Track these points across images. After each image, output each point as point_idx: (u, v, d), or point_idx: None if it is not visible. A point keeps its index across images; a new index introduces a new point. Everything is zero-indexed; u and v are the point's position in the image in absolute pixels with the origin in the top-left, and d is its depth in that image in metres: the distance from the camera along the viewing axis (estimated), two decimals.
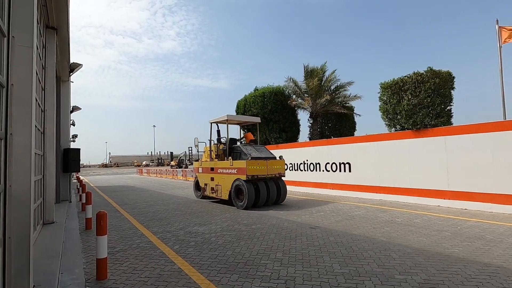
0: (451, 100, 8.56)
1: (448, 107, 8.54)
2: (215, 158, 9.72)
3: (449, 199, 7.57)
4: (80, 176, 25.97)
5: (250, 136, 10.40)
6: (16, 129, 2.85)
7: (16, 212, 2.77)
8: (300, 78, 16.07)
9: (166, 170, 29.44)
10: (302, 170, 12.32)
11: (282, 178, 8.96)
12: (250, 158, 8.29)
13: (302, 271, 3.52)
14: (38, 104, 5.52)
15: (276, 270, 3.57)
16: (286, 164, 13.10)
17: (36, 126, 4.81)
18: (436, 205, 7.71)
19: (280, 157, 9.42)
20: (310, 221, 6.32)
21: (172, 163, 52.81)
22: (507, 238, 4.65)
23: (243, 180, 8.03)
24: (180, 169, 26.72)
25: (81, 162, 11.11)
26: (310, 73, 15.31)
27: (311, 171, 11.87)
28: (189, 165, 50.13)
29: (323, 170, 11.36)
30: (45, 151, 6.39)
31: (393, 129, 9.48)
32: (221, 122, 9.72)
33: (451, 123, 8.48)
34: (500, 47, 9.36)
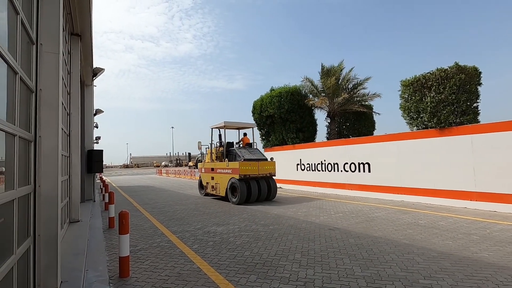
0: (477, 96, 8.14)
1: (475, 104, 8.13)
2: (215, 159, 10.89)
3: (476, 200, 7.20)
4: (103, 177, 26.96)
5: (247, 140, 11.47)
6: (45, 132, 2.99)
7: (45, 211, 2.91)
8: (316, 78, 15.86)
9: (184, 170, 29.97)
10: (319, 171, 12.15)
11: (273, 177, 10.01)
12: (243, 160, 9.46)
13: (321, 273, 3.46)
14: (64, 107, 5.78)
15: (295, 271, 3.53)
16: (303, 164, 13.02)
17: (62, 129, 5.04)
18: (462, 207, 7.37)
19: (271, 158, 10.43)
20: (328, 222, 6.22)
21: (190, 163, 53.56)
22: None
23: (237, 179, 9.11)
24: (197, 170, 27.09)
25: (103, 163, 11.56)
26: (326, 72, 15.07)
27: (329, 171, 11.68)
28: None
29: (341, 171, 11.15)
30: (70, 152, 6.68)
31: (415, 127, 9.14)
32: (220, 127, 10.88)
33: (478, 121, 8.06)
34: None
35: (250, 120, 15.97)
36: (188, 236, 5.39)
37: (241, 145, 11.32)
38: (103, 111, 14.56)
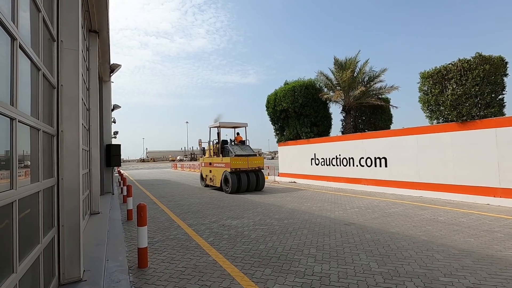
0: (503, 88, 7.73)
1: (500, 96, 7.74)
2: (213, 155, 12.36)
3: (500, 196, 6.91)
4: (121, 170, 27.74)
5: (240, 138, 12.99)
6: (66, 127, 3.09)
7: (68, 203, 3.02)
8: (331, 71, 15.54)
9: (199, 164, 30.37)
10: (334, 165, 12.00)
11: (262, 170, 11.44)
12: (234, 155, 10.84)
13: (337, 268, 3.43)
14: (84, 103, 5.95)
15: (310, 266, 3.52)
16: (317, 159, 12.91)
17: (82, 124, 5.19)
18: (485, 203, 7.09)
19: (260, 154, 13.35)
20: (344, 217, 6.15)
21: (200, 158, 54.20)
22: None
23: (229, 172, 10.56)
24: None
25: (121, 157, 11.95)
26: (341, 65, 14.72)
27: (344, 166, 11.51)
28: None
29: (357, 165, 10.96)
30: (90, 146, 6.89)
31: (435, 121, 8.82)
32: (216, 127, 12.32)
33: (503, 114, 7.67)
34: None
35: (264, 114, 16.01)
36: (203, 229, 5.48)
37: (235, 143, 12.76)
38: (120, 107, 14.91)
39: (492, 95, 7.62)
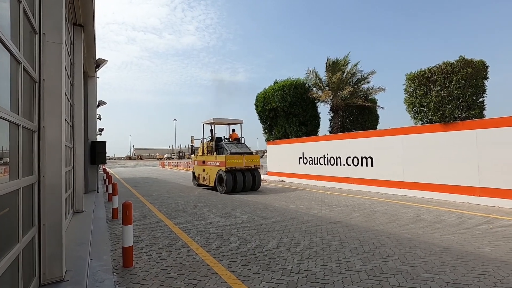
0: (484, 91, 8.02)
1: (481, 99, 8.02)
2: (206, 153, 11.78)
3: (479, 195, 7.18)
4: (106, 168, 27.16)
5: (235, 135, 12.43)
6: (48, 122, 3.00)
7: (49, 201, 2.93)
8: (320, 71, 15.71)
9: (187, 163, 30.07)
10: (322, 164, 12.14)
11: (258, 169, 10.85)
12: (229, 153, 10.35)
13: (323, 265, 3.48)
14: (67, 98, 5.78)
15: (296, 263, 3.56)
16: (305, 158, 13.01)
17: (66, 120, 5.05)
18: (465, 202, 7.34)
19: (256, 152, 11.65)
20: (330, 215, 6.23)
21: (193, 156, 53.82)
22: None
23: (224, 171, 9.98)
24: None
25: (107, 155, 11.68)
26: (332, 66, 14.90)
27: (332, 165, 11.67)
28: None
29: (343, 164, 11.13)
30: (74, 143, 6.71)
31: (419, 122, 9.06)
32: (210, 123, 11.71)
33: (483, 116, 7.96)
34: None
35: (253, 113, 15.98)
36: (190, 228, 5.44)
37: (229, 140, 12.24)
38: (106, 103, 14.57)
39: (474, 97, 7.89)
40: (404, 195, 8.72)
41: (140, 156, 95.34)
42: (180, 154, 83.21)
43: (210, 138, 11.93)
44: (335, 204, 7.64)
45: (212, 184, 10.91)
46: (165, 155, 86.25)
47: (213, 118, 11.45)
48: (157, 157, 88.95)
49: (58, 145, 3.04)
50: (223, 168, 10.01)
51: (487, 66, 8.09)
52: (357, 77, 15.17)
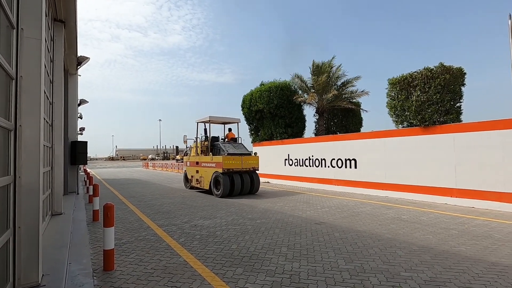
0: (461, 96, 8.38)
1: (458, 104, 8.38)
2: (200, 153, 11.02)
3: (456, 197, 7.48)
4: (87, 169, 26.34)
5: (232, 134, 11.66)
6: (25, 121, 2.88)
7: (26, 203, 2.82)
8: (306, 73, 15.95)
9: (171, 164, 29.65)
10: (307, 166, 12.28)
11: (256, 171, 10.25)
12: (227, 154, 9.64)
13: (306, 266, 3.52)
14: (47, 96, 5.58)
15: (280, 264, 3.58)
16: (291, 159, 13.12)
17: (44, 119, 4.86)
18: (443, 203, 7.63)
19: (255, 153, 10.66)
20: (315, 216, 6.31)
21: (178, 157, 52.98)
22: None
23: (220, 173, 9.29)
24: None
25: (88, 155, 11.29)
26: (317, 69, 15.14)
27: (316, 167, 11.83)
28: None
29: (328, 166, 11.31)
30: (53, 143, 6.47)
31: (401, 125, 9.35)
32: (205, 122, 10.98)
33: (460, 120, 8.32)
34: None
35: (239, 114, 15.92)
36: (174, 230, 5.36)
37: (225, 140, 11.52)
38: (87, 102, 14.16)
39: (451, 102, 8.23)
40: (386, 196, 8.96)
41: (123, 157, 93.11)
42: (165, 155, 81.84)
43: (205, 137, 11.20)
44: (319, 205, 7.74)
45: (206, 187, 10.20)
46: (149, 156, 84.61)
47: (209, 116, 10.70)
48: (141, 157, 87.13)
49: (35, 144, 2.93)
50: (220, 170, 9.31)
51: (465, 73, 8.46)
52: (342, 80, 15.49)
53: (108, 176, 21.18)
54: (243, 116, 16.47)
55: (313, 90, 15.23)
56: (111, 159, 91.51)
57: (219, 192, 9.34)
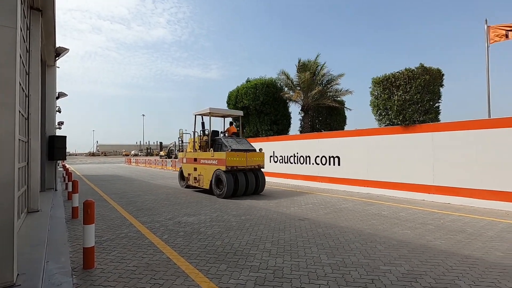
0: (439, 97, 8.71)
1: (437, 104, 8.70)
2: (199, 149, 10.09)
3: (433, 193, 7.79)
4: (66, 165, 25.42)
5: (233, 129, 10.79)
6: None
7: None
8: (292, 71, 16.06)
9: (155, 160, 29.14)
10: (292, 163, 12.40)
11: (262, 169, 9.42)
12: (230, 150, 8.75)
13: (290, 261, 3.57)
14: (22, 88, 5.32)
15: (264, 260, 3.61)
16: (276, 156, 13.19)
17: (20, 112, 4.64)
18: (421, 199, 7.93)
19: (260, 149, 9.75)
20: (298, 213, 6.40)
21: (162, 153, 52.27)
22: (487, 231, 4.83)
23: (223, 171, 8.45)
24: (169, 159, 26.45)
25: (67, 150, 10.87)
26: (303, 66, 15.27)
27: (301, 164, 11.97)
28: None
29: (312, 163, 11.47)
30: (29, 137, 6.20)
31: (383, 124, 9.61)
32: (204, 114, 10.12)
33: (438, 120, 8.65)
34: (488, 46, 9.54)
35: None
36: (158, 227, 5.29)
37: (226, 135, 10.65)
38: (66, 95, 13.61)
39: (430, 102, 8.54)
40: (368, 193, 9.20)
41: (105, 153, 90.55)
42: (148, 151, 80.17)
43: (202, 131, 10.23)
44: (303, 201, 7.85)
45: (206, 186, 9.27)
46: (132, 152, 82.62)
47: (209, 108, 9.70)
48: (123, 153, 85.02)
49: (10, 139, 2.80)
50: (223, 168, 8.43)
51: (443, 74, 8.79)
52: (327, 78, 15.72)
53: (88, 172, 20.55)
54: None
55: (299, 88, 15.37)
56: (92, 154, 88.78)
57: (222, 192, 8.46)
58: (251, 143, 10.24)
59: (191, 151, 10.57)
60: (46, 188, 9.34)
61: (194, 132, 10.51)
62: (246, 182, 8.78)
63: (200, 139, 10.17)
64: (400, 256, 3.72)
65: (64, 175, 12.79)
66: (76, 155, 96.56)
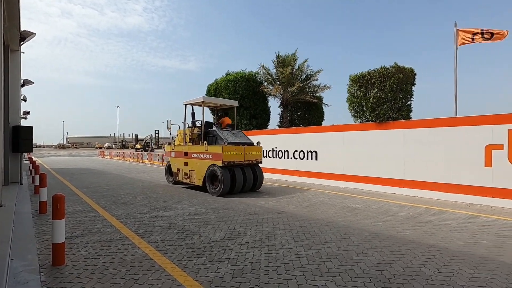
0: (411, 95, 9.12)
1: (409, 102, 9.11)
2: (189, 142, 9.36)
3: (404, 187, 8.20)
4: (33, 157, 23.97)
5: (227, 120, 9.97)
6: None
7: None
8: (272, 67, 16.06)
9: (130, 153, 28.22)
10: (271, 157, 12.51)
11: (259, 164, 8.84)
12: (226, 143, 8.05)
13: (267, 253, 3.63)
14: None
15: (242, 253, 3.64)
16: None
17: None
18: (392, 192, 8.32)
19: (258, 143, 9.18)
20: (276, 206, 6.49)
21: (137, 146, 50.74)
22: (450, 222, 5.18)
23: (219, 166, 7.76)
24: (145, 153, 25.73)
25: (34, 142, 10.21)
26: (282, 61, 15.34)
27: (280, 158, 12.10)
28: (155, 148, 48.48)
29: (291, 158, 11.64)
30: None
31: (359, 120, 9.92)
32: (196, 104, 9.40)
33: (410, 117, 9.07)
34: (457, 48, 10.08)
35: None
36: (133, 221, 5.15)
37: (219, 126, 9.72)
38: (33, 82, 12.75)
39: (403, 100, 8.92)
40: (343, 187, 9.51)
41: (75, 145, 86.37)
42: (123, 144, 77.39)
43: (192, 123, 9.44)
44: (281, 195, 7.97)
45: (198, 183, 8.59)
46: (106, 144, 79.37)
47: (203, 97, 8.90)
48: (96, 146, 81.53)
49: None
50: (219, 163, 7.74)
51: (415, 74, 9.20)
52: (306, 73, 15.92)
53: (57, 165, 19.51)
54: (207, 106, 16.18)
55: (278, 83, 15.45)
56: (62, 146, 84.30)
57: (218, 189, 7.78)
58: (247, 136, 9.60)
59: (180, 144, 9.69)
60: (10, 182, 8.76)
61: (184, 123, 9.58)
62: (243, 178, 8.18)
63: (191, 131, 9.42)
64: (372, 246, 3.90)
65: (30, 168, 12.05)
66: (44, 147, 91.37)
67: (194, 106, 9.63)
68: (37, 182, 7.76)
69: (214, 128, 9.26)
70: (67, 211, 5.82)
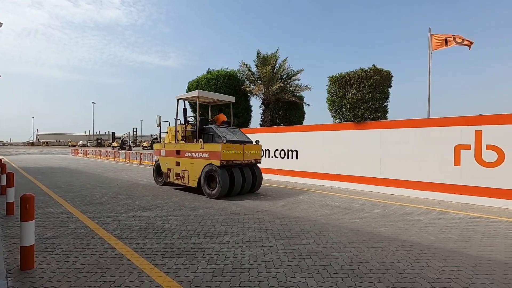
0: (388, 96, 9.46)
1: (385, 103, 9.44)
2: (182, 140, 8.72)
3: (380, 185, 8.50)
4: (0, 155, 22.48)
5: (223, 117, 9.31)
6: None
7: None
8: (253, 65, 16.07)
9: (106, 151, 27.19)
10: None
11: (258, 164, 8.42)
12: (225, 141, 7.46)
13: (248, 252, 3.63)
14: None
15: (223, 252, 3.62)
16: None
17: None
18: (369, 190, 8.60)
19: (257, 141, 8.70)
20: (257, 205, 6.52)
21: (114, 144, 49.06)
22: (422, 218, 5.44)
23: (217, 166, 7.24)
24: (123, 151, 24.90)
25: (0, 139, 9.55)
26: (263, 60, 15.40)
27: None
28: (133, 147, 47.11)
29: (272, 156, 11.71)
30: None
31: (338, 120, 10.15)
32: (190, 99, 8.82)
33: (386, 118, 9.41)
34: (431, 53, 10.56)
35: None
36: (109, 222, 4.97)
37: (215, 123, 9.12)
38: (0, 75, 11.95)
39: (380, 102, 9.23)
40: (322, 185, 9.70)
41: (47, 142, 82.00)
42: (99, 142, 74.49)
43: (184, 119, 8.80)
44: (262, 194, 8.00)
45: (193, 184, 7.97)
46: (80, 142, 76.05)
47: (198, 91, 8.28)
48: (70, 144, 77.97)
49: None
50: (216, 162, 7.19)
51: (392, 76, 9.55)
52: (287, 73, 16.08)
53: (26, 164, 18.44)
54: (188, 103, 15.94)
55: (260, 82, 15.49)
56: (31, 144, 79.75)
57: (215, 191, 7.24)
58: (245, 134, 9.07)
59: (171, 142, 8.95)
60: None
61: (176, 120, 8.83)
62: (242, 179, 7.67)
63: (184, 128, 8.74)
64: (349, 243, 4.01)
65: None
66: (11, 144, 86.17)
67: (186, 102, 8.99)
68: (4, 182, 7.28)
69: (211, 125, 8.59)
70: (38, 212, 5.53)
